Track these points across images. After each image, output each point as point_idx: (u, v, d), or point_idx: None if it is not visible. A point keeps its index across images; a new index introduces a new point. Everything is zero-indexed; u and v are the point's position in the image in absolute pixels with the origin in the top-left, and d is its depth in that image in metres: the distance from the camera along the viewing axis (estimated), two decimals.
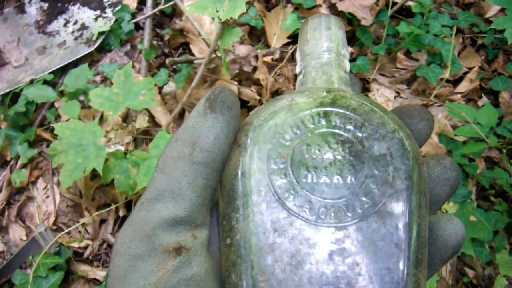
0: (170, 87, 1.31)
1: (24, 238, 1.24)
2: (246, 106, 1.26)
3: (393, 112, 0.39)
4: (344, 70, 0.40)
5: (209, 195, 0.34)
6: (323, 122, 0.34)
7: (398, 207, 0.31)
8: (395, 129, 0.34)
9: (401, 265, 0.30)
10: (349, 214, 0.31)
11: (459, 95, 1.31)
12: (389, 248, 0.30)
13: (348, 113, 0.34)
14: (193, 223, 0.32)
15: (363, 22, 1.28)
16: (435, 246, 0.35)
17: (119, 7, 1.42)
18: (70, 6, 1.48)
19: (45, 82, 1.33)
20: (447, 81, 1.30)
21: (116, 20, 1.40)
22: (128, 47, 1.42)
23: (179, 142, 0.34)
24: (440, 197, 0.37)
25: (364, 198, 0.32)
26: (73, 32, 1.43)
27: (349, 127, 0.34)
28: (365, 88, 1.33)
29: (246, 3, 0.69)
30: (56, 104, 1.33)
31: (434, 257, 0.35)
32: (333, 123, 0.34)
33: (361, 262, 0.30)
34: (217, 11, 0.66)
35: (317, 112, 0.34)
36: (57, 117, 1.32)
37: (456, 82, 1.33)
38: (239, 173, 0.32)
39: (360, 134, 0.34)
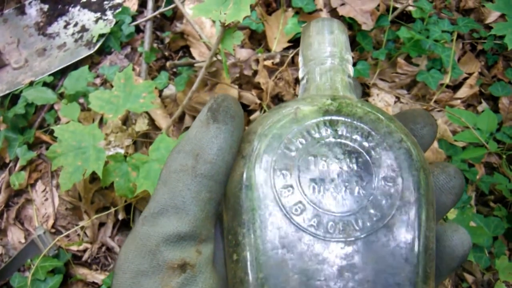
0: (170, 90, 1.31)
1: (23, 240, 1.24)
2: (246, 110, 1.26)
3: (396, 117, 0.38)
4: (347, 75, 0.39)
5: (213, 208, 0.33)
6: (329, 131, 0.33)
7: (407, 220, 0.31)
8: (402, 138, 0.33)
9: (410, 281, 0.30)
10: (358, 228, 0.30)
11: (459, 101, 1.31)
12: (398, 263, 0.30)
13: (354, 122, 0.34)
14: (198, 238, 0.32)
15: (363, 27, 1.28)
16: (442, 256, 0.35)
17: (120, 9, 1.42)
18: (70, 8, 1.48)
19: (45, 84, 1.33)
20: (447, 86, 1.30)
21: (116, 23, 1.40)
22: (128, 49, 1.42)
23: (182, 154, 0.33)
24: (445, 206, 0.37)
25: (372, 211, 0.31)
26: (73, 34, 1.43)
27: (356, 136, 0.33)
28: (365, 93, 1.33)
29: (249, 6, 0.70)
30: (56, 107, 1.33)
31: (440, 267, 0.35)
32: (339, 133, 0.33)
33: (371, 278, 0.29)
34: (221, 14, 0.66)
35: (322, 121, 0.33)
36: (57, 120, 1.32)
37: (456, 87, 1.34)
38: (244, 186, 0.31)
39: (367, 144, 0.33)
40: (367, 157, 0.32)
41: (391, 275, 0.29)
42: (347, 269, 0.29)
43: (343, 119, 0.34)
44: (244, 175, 0.32)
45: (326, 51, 0.39)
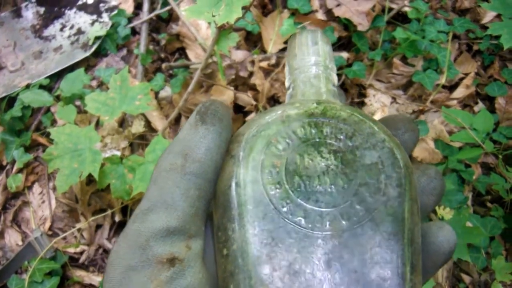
0: (166, 92, 1.31)
1: (20, 243, 1.24)
2: (242, 111, 1.26)
3: (380, 121, 0.40)
4: (332, 83, 0.41)
5: (203, 205, 0.34)
6: (314, 132, 0.34)
7: (392, 213, 0.32)
8: (385, 138, 0.35)
9: (398, 272, 0.30)
10: (344, 222, 0.31)
11: (455, 101, 1.31)
12: (385, 255, 0.31)
13: (338, 123, 0.35)
14: (187, 234, 0.32)
15: (359, 28, 1.28)
16: (427, 253, 0.35)
17: (116, 12, 1.42)
18: (66, 11, 1.48)
19: (41, 86, 1.33)
20: (443, 86, 1.30)
21: (112, 25, 1.40)
22: (124, 52, 1.42)
23: (171, 154, 0.34)
24: (426, 206, 0.38)
25: (358, 206, 0.32)
26: (69, 36, 1.43)
27: (340, 136, 0.34)
28: (361, 93, 1.33)
29: (243, 8, 0.70)
30: (52, 109, 1.33)
31: (427, 264, 0.35)
32: (325, 133, 0.34)
33: (359, 270, 0.30)
34: (213, 16, 0.67)
35: (308, 122, 0.35)
36: (53, 122, 1.32)
37: (452, 88, 1.34)
38: (234, 183, 0.32)
39: (351, 144, 0.34)
40: (352, 155, 0.34)
41: (379, 267, 0.30)
42: (335, 261, 0.30)
43: (327, 120, 0.35)
44: (234, 174, 0.33)
45: (311, 60, 0.41)
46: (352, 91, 1.33)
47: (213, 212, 0.35)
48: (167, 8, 1.37)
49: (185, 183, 0.33)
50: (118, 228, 1.23)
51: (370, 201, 0.32)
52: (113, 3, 1.45)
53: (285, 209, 0.31)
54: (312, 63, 0.41)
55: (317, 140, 0.34)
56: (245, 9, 0.69)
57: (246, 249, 0.30)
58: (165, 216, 0.32)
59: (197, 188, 0.33)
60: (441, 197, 0.38)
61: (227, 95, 1.25)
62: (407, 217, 0.32)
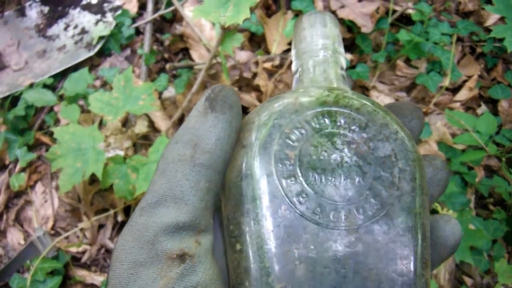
0: (170, 92, 1.31)
1: (22, 242, 1.24)
2: (245, 112, 1.26)
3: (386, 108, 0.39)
4: (340, 67, 0.40)
5: (212, 198, 0.33)
6: (328, 122, 0.34)
7: (406, 208, 0.32)
8: (397, 130, 0.34)
9: (411, 267, 0.30)
10: (360, 217, 0.31)
11: (458, 103, 1.31)
12: (399, 251, 0.30)
13: (352, 113, 0.34)
14: (197, 229, 0.31)
15: (363, 30, 1.28)
16: (434, 246, 0.36)
17: (120, 12, 1.42)
18: (70, 10, 1.48)
19: (45, 86, 1.33)
20: (447, 89, 1.30)
21: (116, 25, 1.40)
22: (128, 51, 1.42)
23: (180, 144, 0.33)
24: (432, 197, 0.38)
25: (373, 200, 0.31)
26: (73, 36, 1.43)
27: (354, 127, 0.34)
28: (364, 95, 1.33)
29: (250, 9, 0.70)
30: (56, 108, 1.33)
31: (433, 257, 0.35)
32: (338, 123, 0.34)
33: (374, 265, 0.30)
34: (221, 16, 0.67)
35: (321, 111, 0.34)
36: (56, 121, 1.32)
37: (455, 90, 1.34)
38: (246, 175, 0.32)
39: (364, 135, 0.34)
40: (365, 147, 0.33)
41: (394, 262, 0.30)
42: (351, 257, 0.30)
43: (341, 110, 0.34)
44: (245, 165, 0.32)
45: (319, 43, 0.39)
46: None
47: (221, 204, 0.34)
48: (171, 8, 1.38)
49: (195, 175, 0.32)
50: (120, 228, 1.23)
51: (384, 195, 0.32)
52: (117, 3, 1.45)
53: (300, 203, 0.31)
54: (320, 46, 0.39)
55: (331, 130, 0.33)
56: (251, 10, 0.69)
57: (262, 246, 0.30)
58: (174, 211, 0.31)
59: (207, 180, 0.32)
60: (445, 188, 0.38)
61: None
62: (420, 211, 0.32)
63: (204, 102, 0.34)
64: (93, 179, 1.20)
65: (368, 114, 0.34)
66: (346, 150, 0.33)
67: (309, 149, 0.32)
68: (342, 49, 0.41)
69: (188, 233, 0.31)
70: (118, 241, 0.31)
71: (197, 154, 0.32)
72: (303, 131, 0.33)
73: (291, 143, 0.32)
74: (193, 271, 0.30)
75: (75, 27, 1.45)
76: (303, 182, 0.31)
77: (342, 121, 0.34)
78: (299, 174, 0.32)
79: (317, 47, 0.39)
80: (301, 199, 0.31)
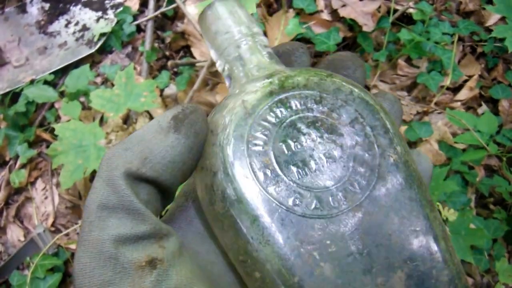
0: (171, 89, 1.31)
1: (22, 239, 1.23)
2: None
3: (327, 66, 0.38)
4: (264, 46, 0.37)
5: (164, 206, 0.31)
6: (284, 111, 0.32)
7: (393, 162, 0.31)
8: (351, 88, 0.33)
9: (422, 215, 0.30)
10: (358, 191, 0.30)
11: (459, 103, 1.31)
12: (406, 205, 0.30)
13: (302, 92, 0.32)
14: (158, 235, 0.29)
15: (364, 29, 1.28)
16: None
17: (121, 9, 1.42)
18: (71, 7, 1.48)
19: (46, 82, 1.33)
20: (447, 88, 1.31)
21: (117, 22, 1.40)
22: (129, 49, 1.42)
23: (129, 152, 0.29)
24: None
25: (361, 169, 0.30)
26: (74, 33, 1.43)
27: (310, 105, 0.32)
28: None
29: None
30: (56, 105, 1.33)
31: None
32: (294, 108, 0.32)
33: (391, 230, 0.29)
34: None
35: (272, 104, 0.32)
36: (57, 118, 1.32)
37: (456, 89, 1.34)
38: (232, 202, 0.29)
39: (323, 108, 0.32)
40: (330, 120, 0.32)
41: (406, 219, 0.29)
42: (366, 233, 0.29)
43: (290, 93, 0.32)
44: (228, 191, 0.30)
45: (235, 33, 0.36)
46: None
47: (216, 235, 0.32)
48: (173, 6, 1.37)
49: (142, 188, 0.29)
50: None
51: (369, 159, 0.31)
52: (119, 0, 1.45)
53: (297, 205, 0.29)
54: (238, 36, 0.36)
55: (291, 118, 0.31)
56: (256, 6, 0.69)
57: (284, 265, 0.28)
58: (129, 221, 0.28)
59: (153, 193, 0.30)
60: (400, 120, 0.38)
61: None
62: (407, 159, 0.31)
63: (169, 120, 0.30)
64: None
65: (317, 86, 0.33)
66: (313, 131, 0.31)
67: (280, 147, 0.30)
68: (258, 29, 0.38)
69: (150, 240, 0.28)
70: (75, 267, 0.27)
71: (144, 169, 0.29)
72: (266, 132, 0.31)
73: (261, 149, 0.30)
74: (167, 275, 0.28)
75: (76, 24, 1.45)
76: (290, 183, 0.30)
77: (297, 104, 0.32)
78: (283, 177, 0.30)
79: (235, 38, 0.36)
80: (296, 201, 0.29)
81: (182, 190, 0.37)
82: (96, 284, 0.26)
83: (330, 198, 0.30)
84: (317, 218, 0.29)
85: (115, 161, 0.29)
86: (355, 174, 0.30)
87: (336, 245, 0.29)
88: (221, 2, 0.37)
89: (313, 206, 0.29)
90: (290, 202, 0.29)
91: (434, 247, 0.29)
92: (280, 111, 0.31)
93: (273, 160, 0.30)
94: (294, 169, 0.30)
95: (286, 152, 0.30)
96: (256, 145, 0.30)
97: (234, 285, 0.33)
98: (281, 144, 0.31)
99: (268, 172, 0.30)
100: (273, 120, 0.31)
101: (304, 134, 0.31)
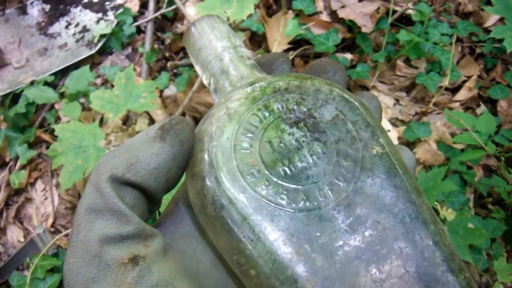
0: (171, 90, 1.32)
1: (22, 239, 1.24)
2: None
3: (308, 72, 0.40)
4: (247, 57, 0.39)
5: (149, 209, 0.32)
6: (267, 114, 0.34)
7: (376, 153, 0.32)
8: (330, 89, 0.35)
9: (409, 201, 0.31)
10: (343, 184, 0.31)
11: (457, 103, 1.32)
12: (391, 193, 0.31)
13: (283, 95, 0.34)
14: (142, 236, 0.30)
15: (363, 30, 1.29)
16: None
17: (121, 10, 1.43)
18: (72, 9, 1.49)
19: (46, 83, 1.33)
20: (446, 89, 1.31)
21: (117, 23, 1.41)
22: (129, 50, 1.42)
23: (116, 159, 0.31)
24: None
25: (345, 162, 0.32)
26: (74, 34, 1.44)
27: (292, 107, 0.34)
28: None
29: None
30: (57, 106, 1.34)
31: None
32: (277, 111, 0.34)
33: (379, 218, 0.30)
34: (225, 12, 0.67)
35: (256, 108, 0.34)
36: (57, 119, 1.33)
37: (454, 90, 1.34)
38: (222, 204, 0.31)
39: (305, 109, 0.34)
40: (312, 119, 0.34)
41: (394, 206, 0.31)
42: (356, 222, 0.30)
43: (272, 98, 0.34)
44: (217, 193, 0.31)
45: (218, 47, 0.39)
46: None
47: (212, 240, 0.33)
48: (173, 7, 1.38)
49: (128, 192, 0.31)
50: None
51: (352, 152, 0.32)
52: (119, 1, 1.46)
53: (284, 201, 0.30)
54: (221, 49, 0.39)
55: (274, 121, 0.33)
56: (254, 7, 0.69)
57: (276, 259, 0.29)
58: (115, 223, 0.29)
59: (139, 198, 0.31)
60: (380, 115, 0.40)
61: None
62: (389, 149, 0.33)
63: (156, 130, 0.33)
64: None
65: (298, 88, 0.35)
66: (297, 131, 0.33)
67: (265, 147, 0.32)
68: (239, 41, 0.40)
69: (134, 240, 0.29)
70: (64, 267, 0.29)
71: (129, 174, 0.30)
72: (250, 135, 0.33)
73: (247, 151, 0.32)
74: (149, 271, 0.29)
75: (77, 25, 1.45)
76: (277, 180, 0.31)
77: (279, 107, 0.34)
78: (270, 175, 0.31)
79: (218, 51, 0.39)
80: (283, 197, 0.30)
81: (172, 198, 0.38)
82: (82, 281, 0.28)
83: (317, 192, 0.31)
84: (306, 211, 0.30)
85: (103, 167, 0.31)
86: (339, 167, 0.32)
87: (326, 236, 0.30)
88: (203, 19, 0.40)
89: (301, 201, 0.31)
90: (278, 199, 0.30)
91: (423, 230, 0.30)
92: (264, 114, 0.34)
93: (260, 161, 0.32)
94: (280, 167, 0.32)
95: (271, 152, 0.32)
96: (242, 147, 0.32)
97: (221, 283, 0.34)
98: (266, 144, 0.32)
99: (255, 172, 0.31)
100: (257, 123, 0.33)
101: (288, 134, 0.33)
